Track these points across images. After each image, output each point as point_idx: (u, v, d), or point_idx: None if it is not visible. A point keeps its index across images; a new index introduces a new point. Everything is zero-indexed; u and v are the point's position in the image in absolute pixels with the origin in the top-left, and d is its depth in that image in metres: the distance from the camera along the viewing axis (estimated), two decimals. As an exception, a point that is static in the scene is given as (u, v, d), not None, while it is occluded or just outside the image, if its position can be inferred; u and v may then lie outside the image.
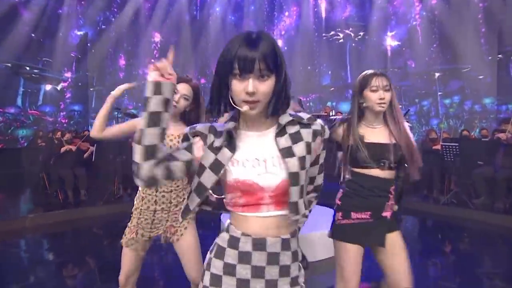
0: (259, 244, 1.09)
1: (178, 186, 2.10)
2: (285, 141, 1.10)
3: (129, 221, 2.13)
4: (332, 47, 12.87)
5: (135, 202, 2.13)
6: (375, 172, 1.91)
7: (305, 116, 1.14)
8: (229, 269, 1.12)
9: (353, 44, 12.68)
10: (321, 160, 1.23)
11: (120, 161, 6.83)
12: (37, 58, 10.47)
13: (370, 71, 1.98)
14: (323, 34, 12.82)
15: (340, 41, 12.81)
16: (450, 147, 6.16)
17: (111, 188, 6.76)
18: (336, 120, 2.06)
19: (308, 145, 1.11)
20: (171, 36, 12.64)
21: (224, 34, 12.63)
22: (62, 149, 6.51)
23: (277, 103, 1.06)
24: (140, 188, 2.11)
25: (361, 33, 12.46)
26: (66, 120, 11.50)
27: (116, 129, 2.25)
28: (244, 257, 1.10)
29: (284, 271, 1.13)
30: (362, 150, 1.90)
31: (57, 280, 3.66)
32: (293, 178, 1.06)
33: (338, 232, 2.00)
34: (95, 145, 6.68)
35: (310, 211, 1.23)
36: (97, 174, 6.97)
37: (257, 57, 0.99)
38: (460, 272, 3.81)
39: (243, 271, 1.10)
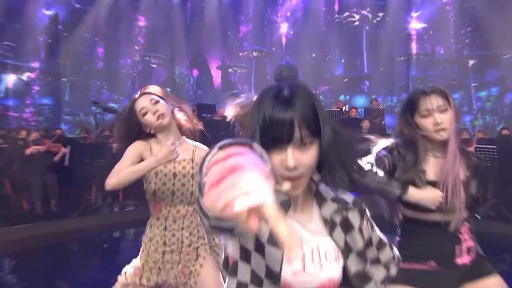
0: None
1: (191, 223, 2.10)
2: (339, 235, 1.09)
3: (134, 259, 2.12)
4: (346, 31, 13.01)
5: (142, 243, 2.13)
6: (436, 216, 1.81)
7: (349, 198, 1.13)
8: None
9: (371, 28, 12.85)
10: (375, 239, 1.20)
11: (98, 165, 6.82)
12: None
13: (417, 89, 1.83)
14: (336, 16, 12.98)
15: (356, 23, 12.98)
16: (486, 149, 6.15)
17: (88, 198, 6.78)
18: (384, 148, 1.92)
19: (359, 230, 1.12)
20: (159, 20, 12.75)
21: (220, 17, 12.76)
22: (28, 151, 6.47)
23: (333, 180, 1.04)
24: (147, 225, 2.12)
25: (380, 14, 12.60)
26: (35, 117, 11.43)
27: (130, 170, 2.07)
28: None
29: None
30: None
31: None
32: (359, 280, 1.08)
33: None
34: (68, 146, 6.66)
35: None
36: (71, 181, 7.00)
37: (295, 119, 0.94)
38: None
39: None
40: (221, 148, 0.77)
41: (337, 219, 1.10)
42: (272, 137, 0.95)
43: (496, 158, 6.05)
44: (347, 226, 1.11)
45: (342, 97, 12.49)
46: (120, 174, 1.95)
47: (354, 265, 1.08)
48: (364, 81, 13.30)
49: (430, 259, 1.82)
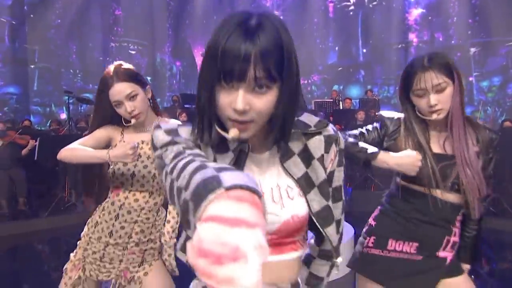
0: None
1: (147, 219, 2.05)
2: (296, 167, 1.07)
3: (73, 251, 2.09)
4: (340, 17, 13.12)
5: (85, 228, 2.09)
6: (438, 192, 1.76)
7: (311, 121, 1.10)
8: None
9: (366, 13, 12.91)
10: (337, 183, 1.16)
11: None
12: None
13: (413, 63, 1.72)
14: (329, 0, 13.01)
15: (351, 8, 13.03)
16: None
17: (60, 195, 6.78)
18: (393, 119, 1.87)
19: (320, 159, 1.10)
20: (138, 4, 12.72)
21: (205, 2, 12.80)
22: None
23: (284, 128, 1.00)
24: (98, 208, 2.09)
25: None
26: None
27: (83, 151, 2.04)
28: None
29: None
30: (431, 162, 1.74)
31: None
32: (321, 215, 1.07)
33: (364, 263, 1.89)
34: (38, 138, 6.57)
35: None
36: (41, 177, 7.02)
37: (252, 55, 0.87)
38: None
39: None
40: (228, 189, 0.67)
41: (296, 148, 1.08)
42: (222, 72, 0.88)
43: (498, 150, 6.08)
44: (307, 156, 1.09)
45: (336, 87, 12.50)
46: (74, 151, 1.94)
47: (316, 202, 1.06)
48: (359, 70, 13.37)
49: (412, 240, 1.80)
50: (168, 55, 13.40)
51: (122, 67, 1.99)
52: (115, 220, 2.01)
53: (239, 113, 0.91)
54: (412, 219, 1.80)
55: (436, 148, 1.77)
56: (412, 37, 12.55)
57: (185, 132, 1.04)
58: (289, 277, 1.11)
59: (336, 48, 13.39)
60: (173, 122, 1.15)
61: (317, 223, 1.07)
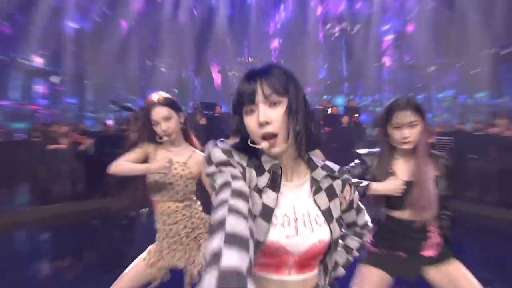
0: None
1: (183, 216, 1.99)
2: (323, 201, 1.00)
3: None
4: (328, 41, 13.09)
5: (156, 225, 2.08)
6: (402, 214, 1.74)
7: (335, 167, 1.05)
8: None
9: (348, 38, 12.91)
10: (355, 205, 1.13)
11: (118, 154, 6.69)
12: (33, 51, 10.43)
13: (394, 102, 1.70)
14: (319, 28, 13.01)
15: (336, 35, 13.03)
16: (445, 141, 6.21)
17: (109, 181, 6.69)
18: (370, 153, 1.86)
19: (338, 199, 1.04)
20: (170, 33, 12.59)
21: (222, 30, 12.72)
22: (50, 147, 6.44)
23: (296, 135, 0.93)
24: (155, 218, 2.04)
25: (356, 27, 12.66)
26: (63, 114, 11.25)
27: (129, 166, 2.01)
28: None
29: None
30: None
31: (54, 274, 3.67)
32: (335, 243, 1.00)
33: (366, 257, 1.83)
34: (94, 138, 6.68)
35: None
36: (95, 167, 6.57)
37: (258, 84, 0.91)
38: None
39: None
40: (221, 270, 0.69)
41: (324, 185, 1.02)
42: (244, 102, 0.92)
43: (452, 147, 6.11)
44: (331, 193, 1.03)
45: (325, 97, 12.48)
46: (120, 166, 1.93)
47: (336, 231, 1.00)
48: (344, 83, 13.36)
49: (399, 250, 1.76)
50: (191, 72, 13.30)
51: (162, 95, 1.97)
52: (164, 225, 1.99)
53: (262, 124, 0.90)
54: (392, 234, 1.76)
55: (403, 176, 1.73)
56: (385, 58, 12.49)
57: (236, 154, 0.98)
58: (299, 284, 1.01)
59: (325, 66, 13.35)
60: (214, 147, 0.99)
61: (332, 248, 1.00)
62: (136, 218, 6.07)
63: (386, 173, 1.73)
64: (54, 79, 11.17)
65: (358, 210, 1.14)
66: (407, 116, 1.63)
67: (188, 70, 13.27)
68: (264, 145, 0.90)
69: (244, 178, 0.91)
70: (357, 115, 9.30)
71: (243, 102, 0.91)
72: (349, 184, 1.06)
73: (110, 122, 10.12)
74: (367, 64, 12.49)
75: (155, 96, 1.95)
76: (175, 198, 1.97)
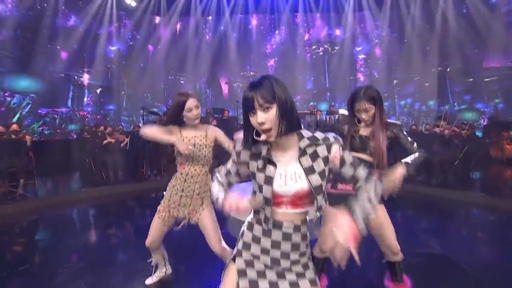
0: (277, 225, 1.13)
1: (202, 179, 2.07)
2: (306, 161, 1.09)
3: (161, 199, 2.14)
4: (314, 58, 12.96)
5: (167, 187, 2.12)
6: (361, 155, 1.90)
7: (320, 136, 1.12)
8: (256, 239, 1.16)
9: (330, 56, 12.81)
10: (348, 159, 1.14)
11: (148, 148, 6.82)
12: (82, 69, 10.62)
13: (354, 93, 1.85)
14: (306, 48, 12.93)
15: (320, 54, 12.92)
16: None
17: (141, 170, 6.80)
18: (339, 116, 2.03)
19: (325, 159, 1.10)
20: (187, 51, 12.60)
21: (229, 49, 12.63)
22: (104, 142, 6.60)
23: (284, 126, 1.03)
24: (173, 177, 2.10)
25: (336, 48, 12.61)
26: (103, 118, 11.36)
27: (160, 134, 2.06)
28: (267, 232, 1.14)
29: (295, 247, 1.14)
30: (356, 138, 1.89)
31: (103, 238, 3.77)
32: (316, 189, 1.09)
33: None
34: (129, 136, 6.77)
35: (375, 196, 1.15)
36: (131, 159, 6.93)
37: (254, 95, 1.01)
38: (405, 228, 4.02)
39: (265, 242, 1.15)
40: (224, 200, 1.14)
41: (309, 151, 1.10)
42: (246, 108, 1.04)
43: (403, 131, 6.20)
44: (314, 156, 1.10)
45: (311, 103, 12.41)
46: (152, 131, 2.00)
47: (315, 181, 1.08)
48: (326, 93, 13.24)
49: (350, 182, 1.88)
50: (204, 84, 13.20)
51: (193, 91, 2.17)
52: (184, 182, 2.06)
53: (260, 124, 1.02)
54: None
55: (363, 133, 1.91)
56: (358, 73, 12.44)
57: (244, 151, 1.16)
58: (296, 219, 1.14)
59: (311, 79, 13.15)
60: (238, 137, 1.18)
61: (313, 192, 1.09)
62: (161, 198, 6.12)
63: (352, 131, 1.90)
64: (98, 90, 11.32)
65: (354, 166, 1.15)
66: (362, 105, 1.81)
67: (202, 82, 13.19)
68: (263, 137, 1.06)
69: (247, 167, 1.15)
70: (337, 117, 9.41)
71: (247, 108, 1.04)
72: (336, 144, 1.11)
73: (141, 124, 10.18)
74: (344, 77, 12.53)
75: (189, 91, 2.10)
76: (200, 163, 2.06)
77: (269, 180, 1.10)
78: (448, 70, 10.60)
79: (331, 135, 1.13)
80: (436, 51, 10.65)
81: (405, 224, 4.23)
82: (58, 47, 9.64)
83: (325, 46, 12.75)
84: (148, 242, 2.19)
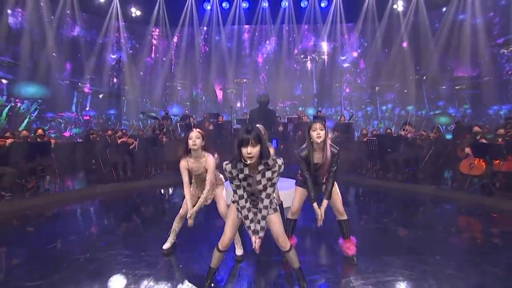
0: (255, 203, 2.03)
1: (205, 178, 2.81)
2: (260, 177, 1.84)
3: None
4: (302, 67, 13.48)
5: (192, 182, 2.90)
6: (317, 174, 2.61)
7: (271, 162, 1.80)
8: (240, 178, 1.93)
9: (317, 65, 13.38)
10: (274, 180, 1.92)
11: (153, 150, 7.38)
12: (86, 76, 11.18)
13: (314, 120, 2.60)
14: (295, 57, 13.46)
15: (308, 62, 13.49)
16: (372, 140, 7.12)
17: (147, 169, 7.29)
18: (300, 151, 2.57)
19: (268, 178, 1.88)
20: (184, 58, 13.10)
21: (223, 57, 13.16)
22: (120, 141, 7.12)
23: (262, 157, 1.75)
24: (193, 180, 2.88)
25: (323, 57, 13.29)
26: (105, 122, 11.85)
27: (187, 181, 2.81)
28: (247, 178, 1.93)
29: (264, 187, 1.92)
30: (313, 166, 2.54)
31: (114, 228, 4.15)
32: (265, 195, 1.96)
33: (297, 182, 2.81)
34: (137, 139, 7.36)
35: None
36: (138, 160, 7.43)
37: (250, 138, 1.65)
38: (375, 219, 4.59)
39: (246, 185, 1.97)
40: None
41: (263, 172, 1.82)
42: (242, 143, 1.66)
43: (376, 145, 6.84)
44: (264, 175, 1.81)
45: (300, 108, 12.90)
46: (186, 193, 2.79)
47: (267, 191, 1.85)
48: (314, 98, 13.55)
49: (313, 184, 2.63)
50: (200, 90, 13.46)
51: (197, 129, 2.72)
52: (198, 180, 2.90)
53: (248, 155, 1.65)
54: (311, 181, 2.61)
55: (316, 160, 2.50)
56: (343, 79, 12.91)
57: (233, 169, 1.83)
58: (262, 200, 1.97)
59: (300, 86, 13.47)
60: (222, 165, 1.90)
61: (263, 196, 1.91)
62: (165, 194, 6.44)
63: (310, 160, 2.47)
64: (100, 96, 11.67)
65: (271, 186, 1.96)
66: (319, 125, 2.49)
67: (198, 89, 13.59)
68: (248, 161, 1.74)
69: (235, 178, 1.85)
70: (324, 123, 10.14)
71: (243, 144, 1.69)
72: (277, 170, 1.85)
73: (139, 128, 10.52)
74: (330, 84, 13.09)
75: (194, 129, 2.76)
76: (203, 177, 2.84)
77: (249, 185, 1.94)
78: (424, 78, 11.58)
79: (278, 162, 1.86)
80: (413, 61, 11.63)
81: (377, 215, 4.88)
82: (63, 56, 10.25)
83: (313, 55, 13.36)
84: (179, 215, 3.02)
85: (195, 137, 2.65)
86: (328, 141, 2.49)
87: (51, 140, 6.15)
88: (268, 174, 1.85)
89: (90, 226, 4.27)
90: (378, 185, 6.70)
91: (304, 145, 2.58)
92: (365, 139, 7.63)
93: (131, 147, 7.31)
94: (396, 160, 6.81)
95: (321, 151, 2.47)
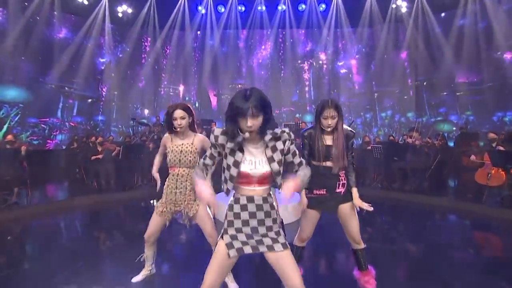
0: (250, 199, 1.46)
1: (191, 179, 2.29)
2: (268, 152, 1.44)
3: (159, 199, 2.38)
4: (299, 73, 13.14)
5: (164, 187, 2.36)
6: (327, 163, 2.13)
7: (278, 131, 1.45)
8: (237, 215, 1.46)
9: (314, 71, 13.05)
10: (293, 150, 1.51)
11: (139, 158, 6.97)
12: (72, 80, 10.63)
13: (324, 102, 2.07)
14: (292, 63, 13.05)
15: (305, 68, 13.15)
16: (377, 147, 6.80)
17: (132, 179, 6.91)
18: (305, 130, 2.19)
19: (281, 151, 1.46)
20: (176, 64, 12.77)
21: (216, 62, 12.80)
22: (93, 158, 6.63)
23: (264, 130, 1.38)
24: (167, 179, 2.34)
25: (320, 62, 12.94)
26: (93, 129, 11.39)
27: (159, 159, 2.55)
28: (243, 207, 1.46)
29: (267, 214, 1.47)
30: (322, 150, 2.09)
31: (94, 244, 3.85)
32: (276, 173, 1.44)
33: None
34: (121, 146, 6.89)
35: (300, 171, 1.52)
36: (122, 169, 7.01)
37: (250, 106, 1.27)
38: (381, 233, 4.34)
39: (244, 215, 1.46)
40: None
41: (270, 144, 1.43)
42: (240, 114, 1.28)
43: (382, 153, 6.56)
44: (274, 148, 1.43)
45: (297, 115, 12.53)
46: (155, 164, 2.53)
47: (275, 167, 1.42)
48: (311, 105, 13.10)
49: (323, 188, 2.14)
50: (193, 95, 13.21)
51: (182, 102, 2.35)
52: (176, 182, 2.29)
53: (249, 127, 1.30)
54: (320, 177, 2.11)
55: (328, 142, 2.13)
56: (341, 86, 12.60)
57: (221, 136, 1.42)
58: (263, 193, 1.48)
59: (297, 92, 13.20)
60: (215, 130, 1.45)
61: (274, 175, 1.44)
62: (149, 206, 6.08)
63: (319, 143, 2.10)
64: (88, 101, 11.29)
65: (294, 155, 1.52)
66: (330, 112, 2.06)
67: (191, 94, 13.26)
68: (247, 135, 1.35)
69: (223, 149, 1.42)
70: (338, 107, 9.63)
71: (240, 114, 1.29)
72: (290, 141, 1.46)
73: (129, 134, 10.03)
74: (328, 90, 12.63)
75: (182, 103, 2.35)
76: (187, 165, 2.29)
77: (236, 164, 1.42)
78: (424, 84, 11.21)
79: (286, 130, 1.46)
80: (413, 67, 11.28)
81: (382, 229, 4.55)
82: (48, 58, 9.71)
83: (310, 60, 13.07)
84: (147, 234, 2.39)
85: (179, 118, 2.25)
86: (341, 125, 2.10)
87: (22, 146, 5.41)
88: (280, 145, 1.45)
89: (53, 249, 3.68)
90: (383, 196, 6.33)
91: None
92: (369, 147, 7.25)
93: (113, 153, 6.85)
94: (403, 168, 6.40)
95: (331, 133, 2.11)
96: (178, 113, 2.27)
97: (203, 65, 12.91)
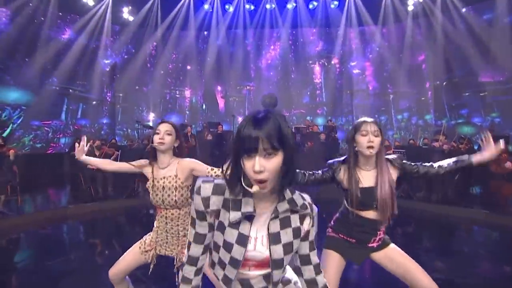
0: (246, 284, 1.03)
1: (184, 221, 1.91)
2: (274, 226, 0.95)
3: (149, 232, 1.99)
4: (310, 73, 12.83)
5: (154, 227, 1.96)
6: (367, 213, 1.68)
7: (299, 203, 0.96)
8: None
9: (326, 71, 12.73)
10: (311, 238, 1.01)
11: None
12: (77, 82, 10.46)
13: (362, 119, 1.70)
14: (303, 63, 12.74)
15: (316, 68, 12.84)
16: (400, 152, 6.13)
17: (132, 186, 6.68)
18: (335, 163, 1.77)
19: (297, 229, 0.96)
20: (182, 66, 12.55)
21: (224, 63, 12.52)
22: (98, 153, 6.37)
23: (283, 179, 0.87)
24: (156, 219, 1.95)
25: (332, 62, 12.55)
26: (98, 131, 11.28)
27: (120, 166, 2.13)
28: None
29: None
30: (356, 195, 1.65)
31: (90, 256, 3.68)
32: (276, 264, 0.95)
33: (326, 241, 1.82)
34: (119, 150, 6.66)
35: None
36: (122, 175, 6.42)
37: (260, 136, 0.81)
38: (404, 247, 3.89)
39: None
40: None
41: (282, 215, 0.96)
42: (244, 147, 0.83)
43: (404, 158, 6.14)
44: (285, 223, 0.96)
45: (308, 118, 12.18)
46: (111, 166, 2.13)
47: (277, 253, 0.94)
48: (323, 107, 13.06)
49: (352, 237, 1.73)
50: (200, 97, 13.02)
51: (170, 120, 1.99)
52: (166, 225, 1.90)
53: (257, 172, 0.82)
54: (351, 226, 1.71)
55: (366, 183, 1.67)
56: (355, 86, 12.25)
57: (214, 198, 0.93)
58: (259, 277, 1.00)
59: (308, 93, 12.94)
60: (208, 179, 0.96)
61: (270, 266, 0.95)
62: (150, 215, 5.96)
63: (352, 180, 1.67)
64: (93, 103, 11.12)
65: (312, 247, 1.02)
66: (373, 126, 1.64)
67: (198, 96, 13.06)
68: (254, 189, 0.84)
69: (218, 217, 0.94)
70: (334, 132, 9.21)
71: (246, 150, 0.83)
72: (310, 218, 0.99)
73: (134, 138, 9.93)
74: (341, 92, 12.38)
75: (164, 120, 1.98)
76: (174, 206, 1.86)
77: (242, 240, 0.93)
78: (444, 84, 10.53)
79: (307, 200, 0.98)
80: (431, 66, 10.64)
81: (406, 243, 4.07)
82: (52, 60, 9.49)
83: (322, 61, 12.69)
84: (112, 272, 1.89)
85: (164, 132, 1.83)
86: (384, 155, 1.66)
87: (10, 150, 5.04)
88: (295, 220, 0.96)
89: (48, 261, 3.35)
90: (406, 207, 5.79)
91: (341, 159, 1.75)
92: (390, 151, 6.54)
93: (112, 158, 6.51)
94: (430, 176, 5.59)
95: (372, 168, 1.66)
96: (164, 126, 1.87)
97: (210, 66, 12.65)
